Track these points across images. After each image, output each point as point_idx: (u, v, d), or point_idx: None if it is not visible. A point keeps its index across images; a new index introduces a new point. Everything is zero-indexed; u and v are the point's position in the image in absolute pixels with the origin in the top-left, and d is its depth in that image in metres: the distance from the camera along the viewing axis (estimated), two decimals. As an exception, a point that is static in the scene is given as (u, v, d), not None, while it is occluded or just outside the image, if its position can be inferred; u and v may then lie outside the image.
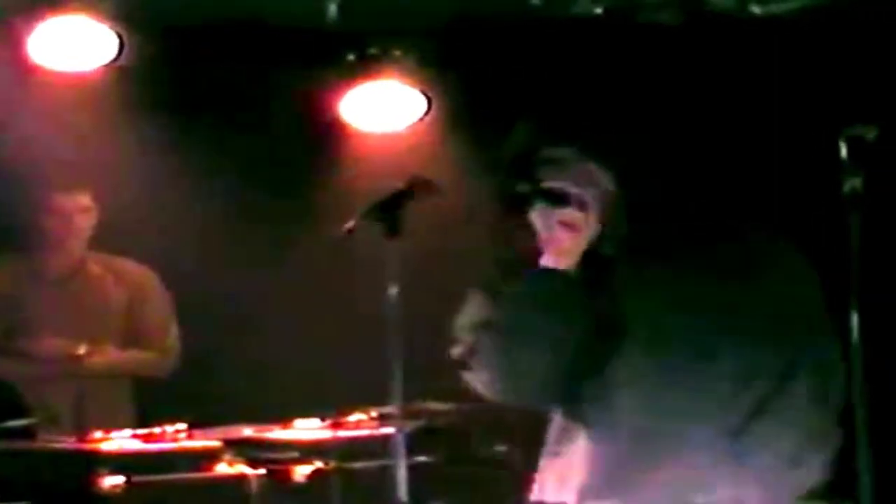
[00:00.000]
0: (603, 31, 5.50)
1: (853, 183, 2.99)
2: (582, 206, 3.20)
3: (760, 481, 3.09)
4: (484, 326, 3.22)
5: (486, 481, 4.61)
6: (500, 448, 4.72)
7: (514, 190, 3.30)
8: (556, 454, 3.25)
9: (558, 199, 3.21)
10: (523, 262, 3.29)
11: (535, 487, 3.32)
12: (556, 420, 3.28)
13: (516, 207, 3.29)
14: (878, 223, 3.03)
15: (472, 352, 3.23)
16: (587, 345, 3.14)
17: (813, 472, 3.14)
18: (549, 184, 3.23)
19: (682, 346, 3.11)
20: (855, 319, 2.97)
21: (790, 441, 3.12)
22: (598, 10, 5.38)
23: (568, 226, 3.21)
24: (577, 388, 3.17)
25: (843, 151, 3.00)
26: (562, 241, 3.22)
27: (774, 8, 5.17)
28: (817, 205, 3.16)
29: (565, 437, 3.23)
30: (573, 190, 3.20)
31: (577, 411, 3.20)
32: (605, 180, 3.20)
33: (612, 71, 5.61)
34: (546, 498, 3.26)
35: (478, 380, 3.25)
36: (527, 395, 3.24)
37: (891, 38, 5.10)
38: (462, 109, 5.91)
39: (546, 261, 3.24)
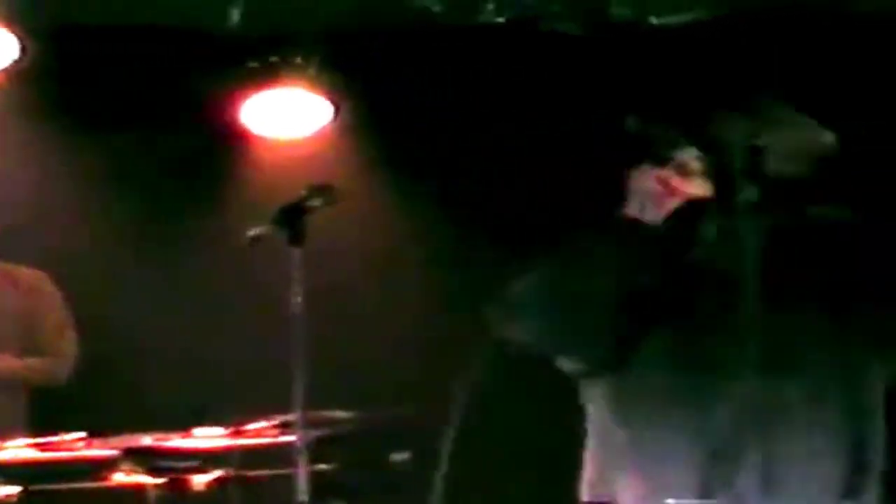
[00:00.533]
0: (507, 39, 5.52)
1: (748, 192, 3.01)
2: (682, 170, 3.10)
3: None
4: (548, 282, 3.09)
5: (388, 489, 4.60)
6: (403, 455, 4.71)
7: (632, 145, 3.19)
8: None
9: (660, 158, 3.11)
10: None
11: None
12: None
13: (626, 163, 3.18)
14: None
15: (526, 306, 3.10)
16: (647, 308, 3.06)
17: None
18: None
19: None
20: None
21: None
22: (501, 19, 5.39)
23: (662, 182, 3.09)
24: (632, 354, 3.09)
25: (739, 161, 3.02)
26: (651, 193, 3.10)
27: (671, 19, 5.23)
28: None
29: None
30: (677, 154, 3.10)
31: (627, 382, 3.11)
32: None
33: (514, 78, 5.64)
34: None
35: (527, 332, 3.11)
36: (580, 349, 3.10)
37: (784, 47, 5.17)
38: (367, 115, 5.90)
39: (630, 210, 3.11)
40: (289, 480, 3.76)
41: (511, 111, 5.76)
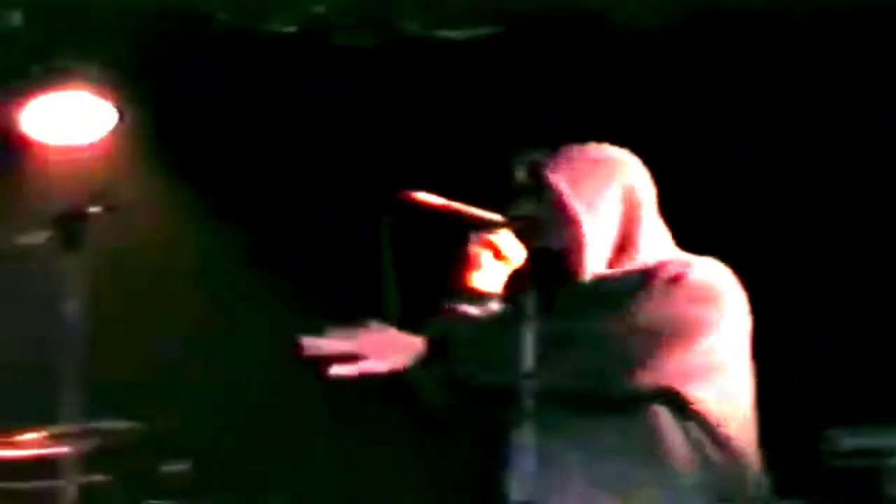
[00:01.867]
0: (297, 50, 5.51)
1: (527, 207, 3.08)
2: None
3: None
4: None
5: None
6: (179, 467, 4.67)
7: None
8: None
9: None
10: None
11: None
12: None
13: None
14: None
15: None
16: None
17: None
18: None
19: None
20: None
21: None
22: (292, 29, 5.38)
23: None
24: None
25: (520, 175, 3.08)
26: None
27: (456, 34, 5.29)
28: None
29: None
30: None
31: None
32: None
33: (305, 88, 5.63)
34: None
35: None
36: None
37: (569, 64, 5.27)
38: (153, 122, 5.82)
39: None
40: (60, 493, 3.69)
41: (301, 122, 5.75)
